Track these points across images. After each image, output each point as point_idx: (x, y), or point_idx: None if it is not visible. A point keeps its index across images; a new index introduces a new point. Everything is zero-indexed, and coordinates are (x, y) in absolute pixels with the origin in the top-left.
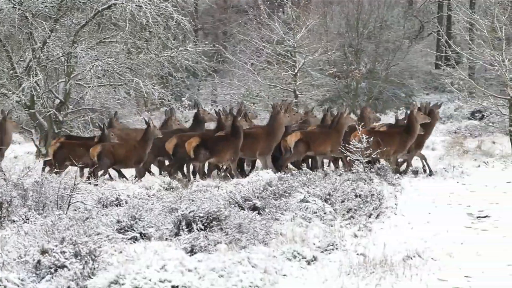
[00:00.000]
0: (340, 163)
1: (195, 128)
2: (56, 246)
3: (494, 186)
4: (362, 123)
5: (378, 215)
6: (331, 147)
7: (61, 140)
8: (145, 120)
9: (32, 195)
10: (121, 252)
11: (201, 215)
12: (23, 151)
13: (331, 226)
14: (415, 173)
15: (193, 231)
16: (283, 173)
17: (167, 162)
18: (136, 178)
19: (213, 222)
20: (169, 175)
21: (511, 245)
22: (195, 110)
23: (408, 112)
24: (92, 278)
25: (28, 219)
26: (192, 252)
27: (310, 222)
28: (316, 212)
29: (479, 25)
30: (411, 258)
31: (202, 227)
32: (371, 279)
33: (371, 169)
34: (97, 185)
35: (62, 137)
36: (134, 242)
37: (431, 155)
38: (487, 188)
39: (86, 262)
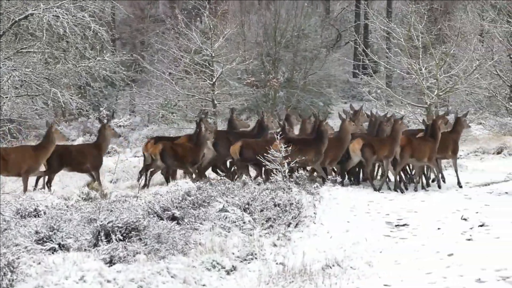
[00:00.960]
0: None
1: (260, 135)
2: None
3: (413, 195)
4: (280, 132)
5: (297, 224)
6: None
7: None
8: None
9: None
10: (39, 263)
11: (120, 225)
12: None
13: (250, 235)
14: (334, 182)
15: (112, 241)
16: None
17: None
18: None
19: (132, 232)
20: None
21: (429, 253)
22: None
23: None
24: None
25: None
26: (111, 262)
27: (229, 232)
28: (235, 222)
29: (396, 33)
30: (330, 267)
31: (121, 238)
32: None
33: (290, 178)
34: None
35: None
36: (52, 253)
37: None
38: (405, 197)
39: (4, 273)
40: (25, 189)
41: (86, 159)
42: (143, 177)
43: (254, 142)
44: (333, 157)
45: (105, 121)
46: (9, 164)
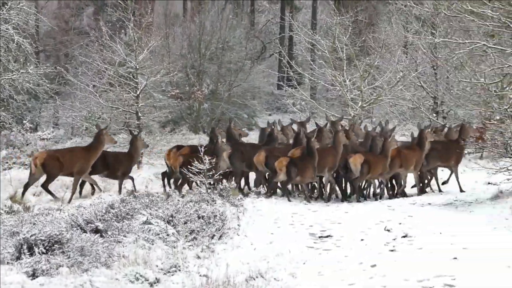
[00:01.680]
0: None
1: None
2: None
3: (337, 206)
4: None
5: (221, 236)
6: None
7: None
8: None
9: None
10: None
11: (43, 238)
12: None
13: (174, 247)
14: (258, 193)
15: (35, 254)
16: None
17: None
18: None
19: (55, 245)
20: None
21: (353, 264)
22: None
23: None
24: None
25: None
26: (33, 276)
27: (152, 244)
28: (158, 234)
29: (321, 45)
30: (254, 279)
31: (44, 251)
32: None
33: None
34: None
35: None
36: None
37: None
38: (329, 208)
39: None
40: (74, 191)
41: (121, 166)
42: (167, 186)
43: (277, 151)
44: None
45: (135, 132)
46: (64, 165)
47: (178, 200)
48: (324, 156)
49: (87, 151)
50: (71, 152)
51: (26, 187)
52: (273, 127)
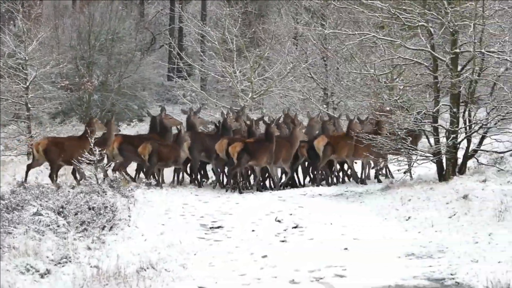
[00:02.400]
0: None
1: (224, 135)
2: None
3: (227, 197)
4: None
5: (111, 227)
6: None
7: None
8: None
9: None
10: None
11: None
12: None
13: (65, 239)
14: (148, 184)
15: None
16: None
17: None
18: None
19: None
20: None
21: (243, 255)
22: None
23: None
24: None
25: None
26: None
27: (43, 235)
28: (49, 225)
29: (210, 37)
30: (145, 270)
31: None
32: None
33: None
34: None
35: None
36: None
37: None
38: (220, 199)
39: None
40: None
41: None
42: None
43: (239, 140)
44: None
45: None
46: (66, 151)
47: (69, 191)
48: (279, 147)
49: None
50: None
51: None
52: (226, 116)
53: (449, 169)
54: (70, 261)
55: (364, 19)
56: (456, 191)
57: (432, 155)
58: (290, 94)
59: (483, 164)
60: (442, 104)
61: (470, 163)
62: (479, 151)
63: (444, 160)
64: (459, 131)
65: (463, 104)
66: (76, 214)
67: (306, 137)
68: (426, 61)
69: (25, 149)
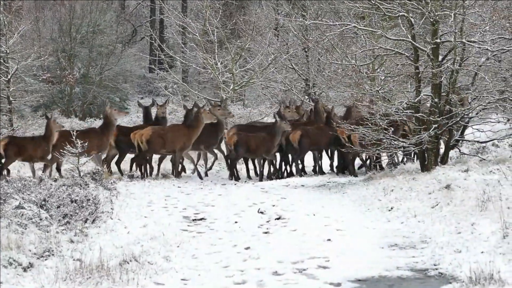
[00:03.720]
0: None
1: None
2: None
3: (210, 189)
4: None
5: (94, 220)
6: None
7: None
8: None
9: None
10: None
11: None
12: None
13: (47, 232)
14: (131, 177)
15: None
16: None
17: None
18: None
19: None
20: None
21: (227, 247)
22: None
23: None
24: None
25: None
26: None
27: (25, 229)
28: (31, 219)
29: (192, 28)
30: (128, 263)
31: None
32: (87, 284)
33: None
34: None
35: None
36: None
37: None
38: (202, 191)
39: None
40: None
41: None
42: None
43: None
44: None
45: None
46: (167, 142)
47: (51, 184)
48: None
49: (188, 129)
50: (174, 130)
51: None
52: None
53: (431, 159)
54: (53, 255)
55: (345, 10)
56: (439, 181)
57: (414, 146)
58: (272, 85)
59: (465, 154)
60: (424, 94)
61: (452, 153)
62: (461, 141)
63: (426, 151)
64: (440, 121)
65: (444, 94)
66: (58, 207)
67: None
68: (407, 51)
69: None
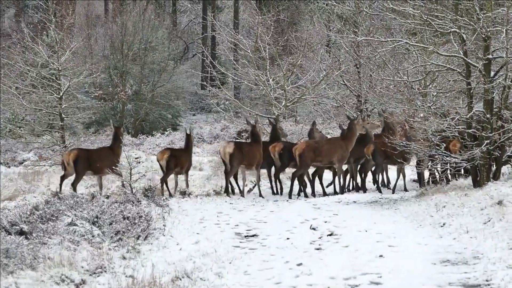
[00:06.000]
0: None
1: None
2: None
3: (262, 205)
4: None
5: (146, 237)
6: None
7: None
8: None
9: None
10: None
11: None
12: None
13: (100, 249)
14: (183, 194)
15: None
16: None
17: None
18: None
19: None
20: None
21: (279, 263)
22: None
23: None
24: None
25: None
26: None
27: (78, 246)
28: (84, 235)
29: (243, 45)
30: (180, 279)
31: None
32: None
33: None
34: None
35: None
36: None
37: (199, 175)
38: (255, 208)
39: None
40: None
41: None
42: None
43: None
44: None
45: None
46: (322, 154)
47: (103, 201)
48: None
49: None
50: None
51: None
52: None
53: (483, 175)
54: (105, 271)
55: (396, 26)
56: (491, 197)
57: (466, 161)
58: (324, 102)
59: None
60: (476, 110)
61: (505, 169)
62: None
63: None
64: (492, 136)
65: (496, 109)
66: (110, 223)
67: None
68: (459, 67)
69: (59, 159)
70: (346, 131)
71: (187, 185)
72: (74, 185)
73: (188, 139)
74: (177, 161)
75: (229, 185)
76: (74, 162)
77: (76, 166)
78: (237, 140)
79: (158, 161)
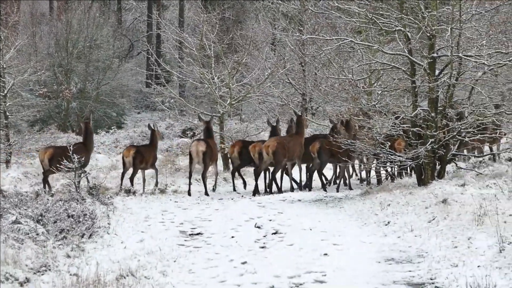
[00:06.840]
0: None
1: None
2: None
3: (207, 204)
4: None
5: (91, 235)
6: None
7: None
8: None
9: None
10: None
11: None
12: None
13: (44, 247)
14: (128, 192)
15: None
16: None
17: None
18: None
19: None
20: None
21: (223, 262)
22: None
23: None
24: None
25: None
26: None
27: (22, 244)
28: (28, 234)
29: (188, 43)
30: (125, 277)
31: None
32: None
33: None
34: None
35: None
36: None
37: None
38: (199, 206)
39: None
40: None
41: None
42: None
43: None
44: None
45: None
46: (290, 151)
47: (48, 199)
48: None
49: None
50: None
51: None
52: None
53: (428, 173)
54: (49, 269)
55: (342, 24)
56: (435, 196)
57: (411, 160)
58: (269, 100)
59: (462, 168)
60: (420, 109)
61: (449, 167)
62: (457, 155)
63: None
64: (437, 135)
65: (441, 108)
66: (55, 222)
67: None
68: (404, 66)
69: (3, 157)
70: (296, 127)
71: (157, 182)
72: (44, 181)
73: (153, 134)
74: (142, 157)
75: (190, 185)
76: (49, 160)
77: (51, 163)
78: (201, 138)
79: (123, 158)
